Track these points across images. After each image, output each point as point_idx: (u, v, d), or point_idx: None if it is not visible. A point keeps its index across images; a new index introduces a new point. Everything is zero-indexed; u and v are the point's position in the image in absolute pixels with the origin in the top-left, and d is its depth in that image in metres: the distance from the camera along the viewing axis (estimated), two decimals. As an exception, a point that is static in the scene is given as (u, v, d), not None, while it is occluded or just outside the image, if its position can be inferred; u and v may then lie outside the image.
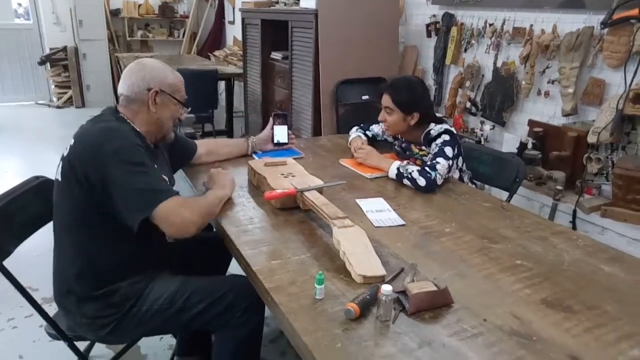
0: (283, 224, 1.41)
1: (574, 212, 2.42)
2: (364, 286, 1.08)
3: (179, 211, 1.26)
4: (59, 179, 1.34)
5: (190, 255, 1.59)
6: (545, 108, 2.78)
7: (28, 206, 1.47)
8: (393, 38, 3.42)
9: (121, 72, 1.56)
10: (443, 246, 1.32)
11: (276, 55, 3.84)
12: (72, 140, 1.33)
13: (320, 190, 1.49)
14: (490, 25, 2.97)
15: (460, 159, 1.94)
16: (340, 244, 1.16)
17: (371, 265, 1.12)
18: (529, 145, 2.64)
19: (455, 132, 1.87)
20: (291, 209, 1.48)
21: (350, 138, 2.15)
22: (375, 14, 3.26)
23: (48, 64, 6.78)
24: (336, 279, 1.12)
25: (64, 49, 6.73)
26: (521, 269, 1.22)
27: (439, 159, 1.77)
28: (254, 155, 2.03)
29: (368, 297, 1.00)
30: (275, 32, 3.82)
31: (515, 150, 2.68)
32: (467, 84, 3.20)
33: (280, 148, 2.12)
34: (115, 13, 7.08)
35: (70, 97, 6.87)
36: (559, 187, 2.43)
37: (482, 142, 3.04)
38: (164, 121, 1.47)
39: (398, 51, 3.57)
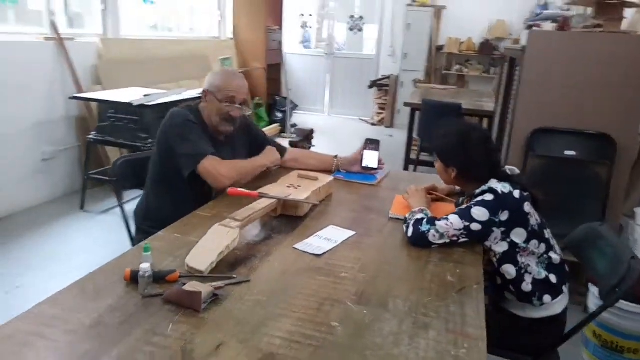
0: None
1: None
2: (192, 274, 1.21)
3: (217, 167, 1.71)
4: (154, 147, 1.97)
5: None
6: None
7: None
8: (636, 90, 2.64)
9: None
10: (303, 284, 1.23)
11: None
12: None
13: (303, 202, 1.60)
14: None
15: (521, 232, 1.53)
16: (204, 236, 1.31)
17: (201, 260, 1.23)
18: None
19: (507, 196, 1.50)
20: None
21: None
22: (614, 56, 2.62)
23: (375, 88, 8.14)
24: (173, 260, 1.29)
25: (389, 77, 7.92)
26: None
27: (452, 216, 1.49)
28: (335, 175, 2.16)
29: (145, 275, 1.14)
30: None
31: None
32: None
33: (367, 172, 2.17)
34: (439, 48, 7.77)
35: (384, 118, 8.03)
36: None
37: None
38: (211, 114, 1.89)
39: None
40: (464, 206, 1.55)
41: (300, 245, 1.44)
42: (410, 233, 1.50)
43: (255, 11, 6.59)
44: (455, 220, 1.48)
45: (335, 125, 7.83)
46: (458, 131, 1.67)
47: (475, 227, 1.48)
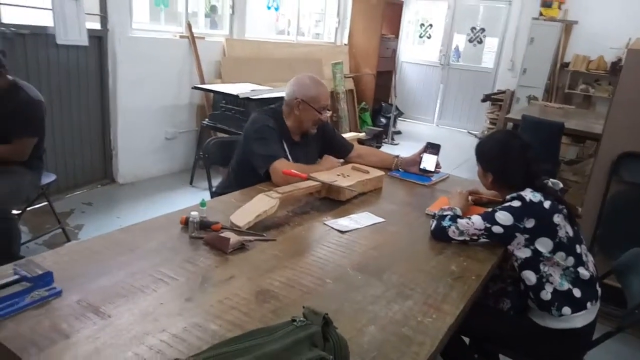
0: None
1: None
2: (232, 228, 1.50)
3: (283, 169, 1.91)
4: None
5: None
6: None
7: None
8: None
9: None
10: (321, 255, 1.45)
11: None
12: None
13: (332, 184, 1.82)
14: None
15: (547, 242, 1.57)
16: (250, 201, 1.60)
17: (241, 218, 1.51)
18: None
19: (535, 204, 1.56)
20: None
21: None
22: None
23: (489, 102, 7.90)
24: (223, 216, 1.58)
25: (505, 91, 7.64)
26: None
27: (475, 216, 1.59)
28: (391, 173, 2.33)
29: (201, 220, 1.46)
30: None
31: None
32: None
33: (424, 174, 2.30)
34: (564, 65, 7.30)
35: (493, 133, 7.76)
36: None
37: None
38: (304, 122, 2.14)
39: None
40: (490, 209, 1.63)
41: (329, 222, 1.65)
42: (432, 227, 1.63)
43: (372, 19, 6.86)
44: (477, 221, 1.58)
45: (442, 136, 7.78)
46: (499, 138, 1.75)
47: (497, 229, 1.56)
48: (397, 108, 7.23)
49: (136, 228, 1.49)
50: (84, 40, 3.43)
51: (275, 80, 5.07)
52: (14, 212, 2.52)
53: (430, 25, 8.69)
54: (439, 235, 1.61)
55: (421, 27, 8.79)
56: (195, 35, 4.39)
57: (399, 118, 7.93)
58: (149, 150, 4.25)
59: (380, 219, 1.73)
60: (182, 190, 4.08)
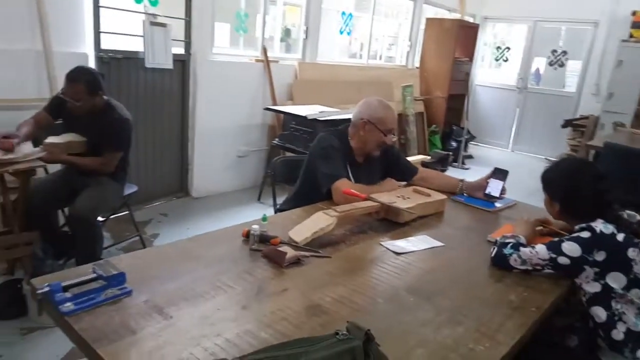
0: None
1: None
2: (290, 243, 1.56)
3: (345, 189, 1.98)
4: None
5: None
6: None
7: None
8: None
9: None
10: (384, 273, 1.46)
11: None
12: None
13: (391, 206, 1.83)
14: None
15: (619, 277, 1.48)
16: (309, 218, 1.65)
17: (298, 234, 1.57)
18: None
19: (606, 236, 1.47)
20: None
21: None
22: None
23: (570, 128, 7.48)
24: (282, 231, 1.64)
25: (588, 117, 7.20)
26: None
27: (539, 245, 1.53)
28: (455, 197, 2.29)
29: (261, 234, 1.53)
30: None
31: None
32: None
33: (489, 200, 2.24)
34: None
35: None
36: None
37: None
38: (368, 143, 2.17)
39: None
40: (556, 239, 1.56)
41: (386, 243, 1.66)
42: (493, 253, 1.59)
43: (445, 42, 6.80)
44: (541, 250, 1.51)
45: (517, 162, 7.44)
46: (567, 165, 1.68)
47: (563, 260, 1.49)
48: (468, 132, 7.06)
49: (203, 238, 1.59)
50: (169, 64, 3.73)
51: (345, 103, 5.16)
52: (100, 218, 2.76)
53: (508, 48, 8.44)
54: (500, 262, 1.56)
55: (497, 50, 8.56)
56: (269, 58, 4.61)
57: (471, 142, 7.72)
58: (221, 167, 4.48)
59: (439, 243, 1.71)
60: (250, 206, 4.24)
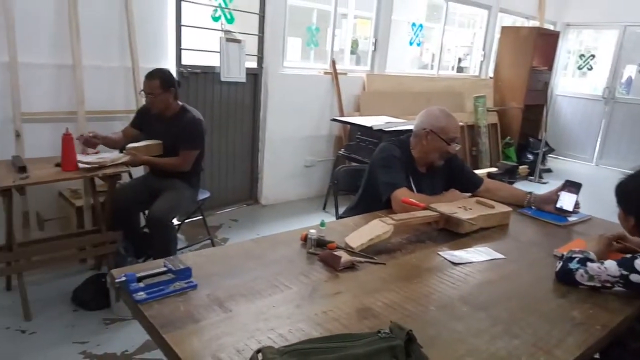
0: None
1: None
2: (346, 248, 1.60)
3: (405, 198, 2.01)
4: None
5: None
6: None
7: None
8: None
9: None
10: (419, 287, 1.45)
11: None
12: None
13: (443, 215, 1.81)
14: None
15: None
16: (366, 225, 1.68)
17: (355, 240, 1.60)
18: None
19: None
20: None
21: None
22: None
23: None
24: (339, 237, 1.68)
25: (686, 128, 6.57)
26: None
27: (608, 261, 1.45)
28: (522, 210, 2.20)
29: (319, 238, 1.59)
30: None
31: None
32: None
33: (560, 214, 2.14)
34: None
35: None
36: None
37: None
38: (431, 152, 2.17)
39: None
40: (629, 255, 1.46)
41: (443, 253, 1.65)
42: (558, 268, 1.52)
43: (521, 51, 6.54)
44: (611, 266, 1.43)
45: (602, 177, 6.92)
46: None
47: (635, 278, 1.40)
48: (547, 144, 6.70)
49: (265, 240, 1.68)
50: (242, 78, 3.95)
51: (412, 114, 5.09)
52: (175, 222, 2.97)
53: (592, 55, 7.93)
54: (565, 278, 1.49)
55: (581, 58, 8.07)
56: (338, 71, 4.70)
57: (549, 155, 7.32)
58: (289, 176, 4.62)
59: (500, 255, 1.67)
60: (315, 215, 4.33)
